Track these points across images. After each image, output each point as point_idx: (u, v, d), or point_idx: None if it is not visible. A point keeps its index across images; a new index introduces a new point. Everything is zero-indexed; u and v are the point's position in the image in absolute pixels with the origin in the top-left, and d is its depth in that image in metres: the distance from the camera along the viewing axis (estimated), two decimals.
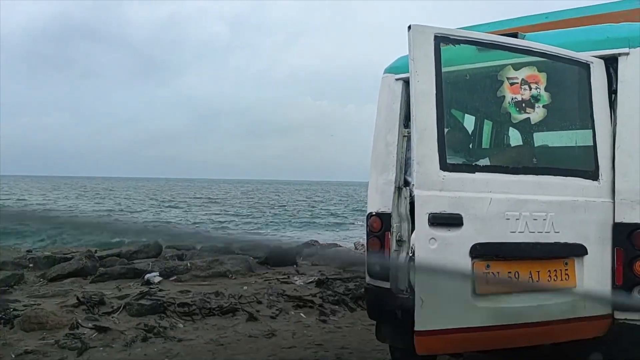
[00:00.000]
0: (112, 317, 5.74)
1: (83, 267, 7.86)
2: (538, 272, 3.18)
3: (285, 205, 49.93)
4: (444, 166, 3.01)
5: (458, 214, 2.99)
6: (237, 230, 28.65)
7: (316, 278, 7.89)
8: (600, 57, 3.35)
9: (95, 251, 9.95)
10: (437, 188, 2.98)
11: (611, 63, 3.33)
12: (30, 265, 8.46)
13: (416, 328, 2.91)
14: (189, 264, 8.32)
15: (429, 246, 2.93)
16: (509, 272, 3.14)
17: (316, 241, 13.85)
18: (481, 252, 3.02)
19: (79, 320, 5.47)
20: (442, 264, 2.95)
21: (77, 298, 6.05)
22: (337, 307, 6.72)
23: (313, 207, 49.70)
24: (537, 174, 3.25)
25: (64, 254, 9.20)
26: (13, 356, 4.65)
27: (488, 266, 3.06)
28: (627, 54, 3.25)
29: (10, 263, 8.42)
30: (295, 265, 9.52)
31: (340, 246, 12.58)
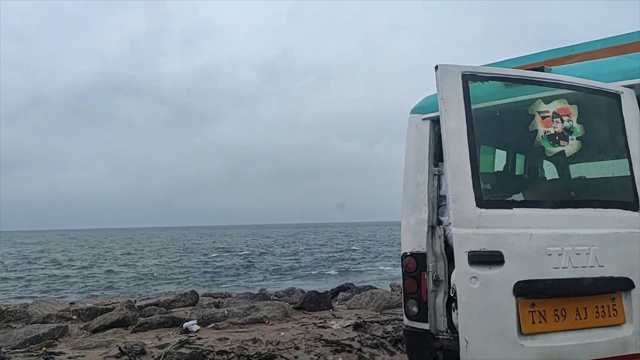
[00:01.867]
0: None
1: (124, 317, 7.95)
2: (585, 308, 3.09)
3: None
4: (480, 203, 3.00)
5: (498, 252, 2.95)
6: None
7: (353, 321, 7.79)
8: (630, 86, 3.34)
9: (135, 301, 10.06)
10: (474, 225, 2.97)
11: None
12: (74, 317, 8.60)
13: None
14: (225, 311, 8.33)
15: (471, 285, 2.89)
16: (555, 310, 3.06)
17: (351, 284, 13.68)
18: (525, 290, 2.96)
19: None
20: (485, 303, 2.90)
21: (120, 349, 6.10)
22: (375, 350, 6.59)
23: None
24: (576, 207, 3.21)
25: (105, 305, 9.33)
26: None
27: (533, 304, 3.00)
28: None
29: (54, 315, 8.57)
30: (331, 309, 9.42)
31: (376, 288, 12.39)
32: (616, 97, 3.32)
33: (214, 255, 47.17)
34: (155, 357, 5.99)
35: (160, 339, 6.91)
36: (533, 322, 2.99)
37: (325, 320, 8.14)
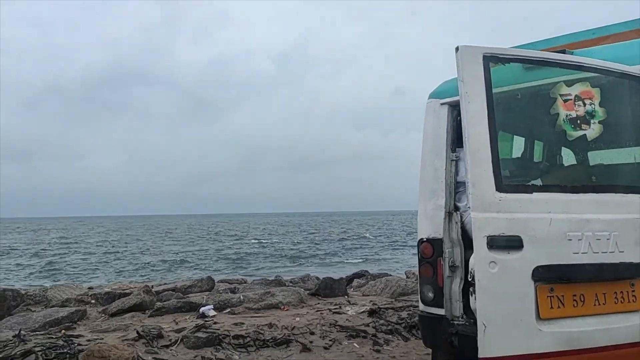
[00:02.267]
0: (171, 350, 5.83)
1: (141, 302, 8.07)
2: (604, 294, 3.07)
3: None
4: (500, 187, 2.96)
5: (517, 236, 2.93)
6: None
7: (368, 308, 7.81)
8: None
9: (152, 286, 10.19)
10: (494, 210, 2.94)
11: None
12: (92, 301, 8.75)
13: (480, 355, 2.83)
14: (241, 297, 8.41)
15: (490, 270, 2.87)
16: (574, 295, 3.03)
17: (366, 271, 13.72)
18: (544, 275, 2.94)
19: (140, 354, 5.58)
20: (504, 288, 2.88)
21: (137, 332, 6.19)
22: (390, 336, 6.61)
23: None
24: (596, 192, 3.17)
25: (123, 289, 9.47)
26: None
27: (552, 289, 2.98)
28: None
29: (73, 299, 8.73)
30: (346, 296, 9.46)
31: (391, 275, 12.41)
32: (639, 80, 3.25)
33: (230, 242, 47.58)
34: (173, 340, 6.07)
35: (177, 323, 7.00)
36: (551, 307, 2.96)
37: (340, 307, 8.18)
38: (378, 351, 6.10)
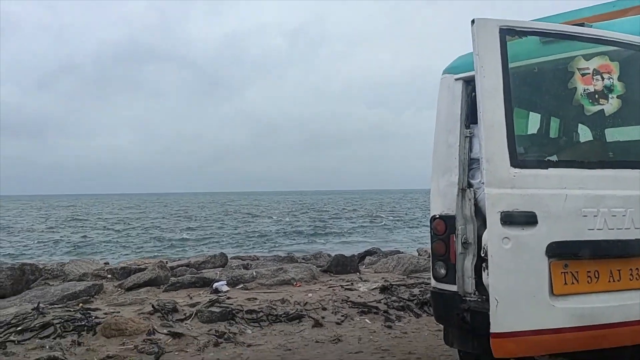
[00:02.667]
0: (185, 324, 5.93)
1: (156, 277, 8.19)
2: (619, 270, 3.04)
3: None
4: (515, 163, 2.93)
5: (532, 212, 2.90)
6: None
7: (380, 284, 7.87)
8: None
9: (167, 262, 10.33)
10: (508, 186, 2.91)
11: None
12: (108, 276, 8.90)
13: (492, 330, 2.84)
14: (254, 273, 8.50)
15: (503, 246, 2.86)
16: (588, 272, 3.01)
17: (378, 248, 13.77)
18: (558, 251, 2.92)
19: (155, 327, 5.70)
20: (517, 264, 2.87)
21: (153, 306, 6.30)
22: (402, 312, 6.67)
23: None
24: (613, 168, 3.12)
25: (138, 265, 9.61)
26: None
27: (566, 266, 2.96)
28: None
29: (90, 274, 8.88)
30: (358, 273, 9.52)
31: (403, 253, 12.45)
32: None
33: (243, 219, 47.93)
34: (187, 314, 6.18)
35: (191, 298, 7.11)
36: (565, 283, 2.95)
37: (352, 283, 8.24)
38: (390, 327, 6.16)
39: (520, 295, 2.87)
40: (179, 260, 11.55)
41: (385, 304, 6.90)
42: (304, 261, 10.99)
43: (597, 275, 3.01)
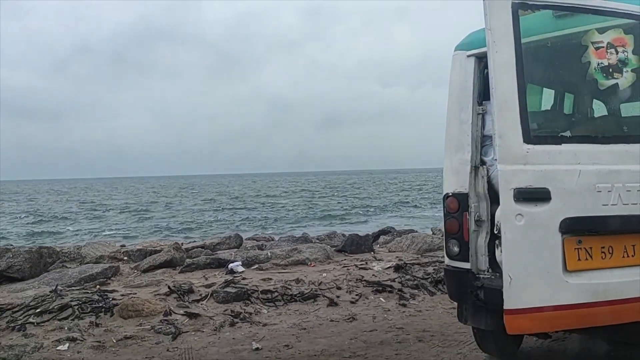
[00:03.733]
0: (201, 304, 6.01)
1: (172, 258, 8.28)
2: (633, 246, 3.03)
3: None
4: (528, 139, 2.91)
5: (545, 188, 2.89)
6: None
7: (394, 263, 7.89)
8: None
9: (182, 244, 10.44)
10: (521, 162, 2.89)
11: None
12: (125, 258, 9.01)
13: (505, 307, 2.85)
14: (269, 253, 8.56)
15: (516, 222, 2.85)
16: (602, 248, 3.00)
17: (392, 228, 13.78)
18: (571, 227, 2.91)
19: (172, 308, 5.78)
20: (530, 240, 2.86)
21: (169, 287, 6.38)
22: (416, 291, 6.69)
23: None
24: (628, 143, 3.08)
25: (154, 247, 9.71)
26: (114, 341, 4.98)
27: (580, 242, 2.95)
28: None
29: (106, 257, 9.01)
30: (372, 252, 9.55)
31: (417, 232, 12.45)
32: None
33: (257, 200, 48.18)
34: (203, 295, 6.25)
35: (207, 279, 7.19)
36: (579, 259, 2.94)
37: (366, 262, 8.27)
38: (404, 305, 6.19)
39: (534, 272, 2.87)
40: (194, 241, 11.67)
41: (399, 282, 6.92)
42: (318, 241, 11.04)
43: (611, 251, 3.00)
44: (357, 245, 9.63)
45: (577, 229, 2.93)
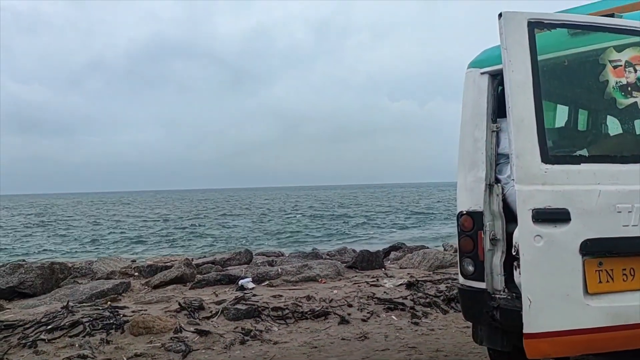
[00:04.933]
0: (212, 321, 5.97)
1: (182, 274, 8.26)
2: None
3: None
4: (546, 158, 2.87)
5: (564, 209, 2.84)
6: None
7: (406, 280, 7.81)
8: None
9: (192, 259, 10.43)
10: (539, 182, 2.85)
11: None
12: (136, 274, 9.02)
13: (525, 330, 2.78)
14: (279, 270, 8.51)
15: (535, 244, 2.80)
16: (624, 270, 2.93)
17: (403, 244, 13.69)
18: (592, 248, 2.85)
19: (182, 325, 5.75)
20: (550, 262, 2.80)
21: (179, 304, 6.35)
22: (429, 309, 6.61)
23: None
24: None
25: (165, 262, 9.71)
26: (125, 359, 4.96)
27: (601, 263, 2.89)
28: None
29: (117, 272, 9.02)
30: (383, 268, 9.47)
31: (428, 248, 12.34)
32: None
33: (268, 215, 48.18)
34: (213, 312, 6.22)
35: (217, 295, 7.16)
36: (600, 282, 2.88)
37: (377, 279, 8.20)
38: (416, 324, 6.11)
39: (554, 295, 2.81)
40: (204, 257, 11.65)
41: (411, 300, 6.85)
42: (328, 257, 10.97)
43: (632, 273, 2.93)
44: (367, 261, 9.56)
45: (597, 250, 2.87)
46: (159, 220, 44.77)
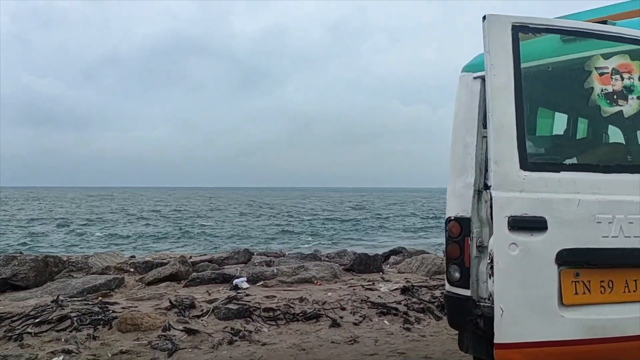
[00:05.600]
0: (201, 320, 5.96)
1: (177, 272, 8.26)
2: (635, 281, 2.89)
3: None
4: (525, 165, 2.81)
5: (541, 217, 2.78)
6: None
7: (401, 285, 7.75)
8: None
9: (190, 257, 10.43)
10: (517, 189, 2.80)
11: None
12: (131, 269, 9.02)
13: (496, 340, 2.74)
14: (275, 270, 8.48)
15: (510, 252, 2.75)
16: (602, 282, 2.87)
17: (403, 248, 13.61)
18: (569, 258, 2.80)
19: (171, 323, 5.73)
20: (524, 271, 2.75)
21: (170, 301, 6.35)
22: (422, 315, 6.54)
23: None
24: (632, 173, 2.95)
25: (161, 259, 9.71)
26: (109, 355, 4.95)
27: (577, 274, 2.82)
28: None
29: (113, 267, 9.03)
30: (381, 272, 9.42)
31: (428, 253, 12.26)
32: None
33: (274, 216, 48.22)
34: (204, 311, 6.20)
35: (210, 294, 7.14)
36: (576, 293, 2.82)
37: (373, 283, 8.15)
38: (408, 329, 6.06)
39: (527, 305, 2.76)
40: (203, 255, 11.66)
41: (405, 305, 6.79)
42: (327, 259, 10.91)
43: (611, 285, 2.87)
44: (365, 265, 9.50)
45: (574, 261, 2.81)
46: (169, 217, 45.07)
